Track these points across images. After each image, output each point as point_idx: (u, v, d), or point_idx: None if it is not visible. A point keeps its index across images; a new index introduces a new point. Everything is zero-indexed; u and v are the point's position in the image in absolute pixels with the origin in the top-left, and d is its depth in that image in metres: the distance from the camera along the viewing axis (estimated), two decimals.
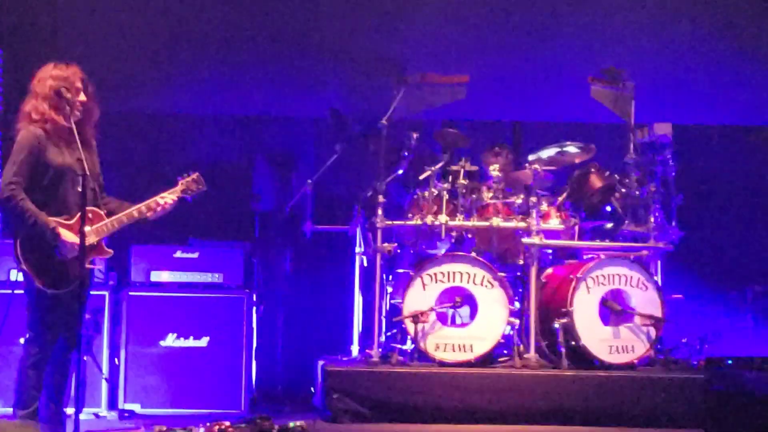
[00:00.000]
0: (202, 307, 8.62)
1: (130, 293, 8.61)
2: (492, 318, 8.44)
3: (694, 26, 9.98)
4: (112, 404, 8.45)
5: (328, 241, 9.53)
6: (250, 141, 10.14)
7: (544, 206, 8.76)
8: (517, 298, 8.62)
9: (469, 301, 8.49)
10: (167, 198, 6.88)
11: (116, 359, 8.51)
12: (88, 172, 6.51)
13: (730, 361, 6.76)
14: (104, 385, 8.42)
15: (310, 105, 9.97)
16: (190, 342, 8.54)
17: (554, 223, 8.76)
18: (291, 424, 6.47)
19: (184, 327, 8.59)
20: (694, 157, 9.55)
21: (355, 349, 9.09)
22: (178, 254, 8.77)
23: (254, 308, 8.79)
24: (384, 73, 9.55)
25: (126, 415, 8.31)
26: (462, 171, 8.79)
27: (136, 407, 8.44)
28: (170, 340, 8.54)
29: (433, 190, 8.71)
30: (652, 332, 8.47)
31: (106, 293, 8.48)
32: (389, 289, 8.76)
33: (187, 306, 8.61)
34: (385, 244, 8.65)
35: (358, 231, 9.05)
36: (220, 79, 9.95)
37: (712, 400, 6.84)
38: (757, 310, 9.56)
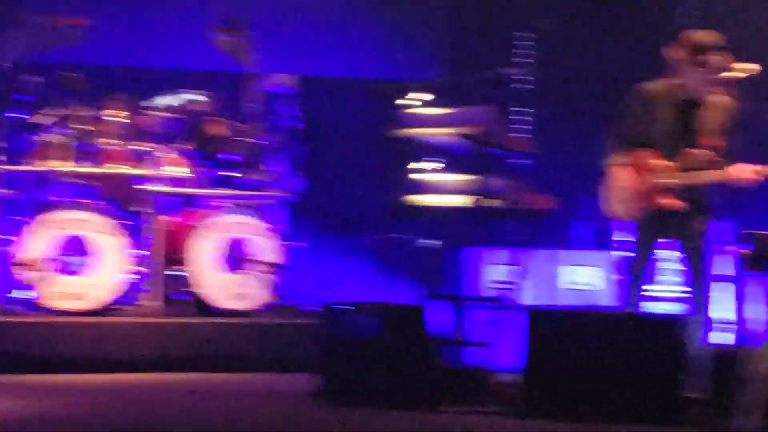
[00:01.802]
0: None
1: None
2: (112, 266, 8.36)
3: None
4: None
5: None
6: None
7: (165, 153, 8.73)
8: (138, 246, 8.57)
9: (88, 249, 8.36)
10: None
11: None
12: None
13: (347, 307, 6.96)
14: None
15: None
16: None
17: (175, 170, 8.75)
18: None
19: None
20: (319, 108, 9.72)
21: None
22: None
23: None
24: (2, 13, 9.23)
25: None
26: (80, 116, 8.64)
27: None
28: None
29: (51, 135, 8.52)
30: (273, 279, 8.64)
31: None
32: (7, 237, 8.50)
33: None
34: (3, 190, 8.42)
35: None
36: None
37: (328, 345, 7.04)
38: (373, 257, 9.89)
